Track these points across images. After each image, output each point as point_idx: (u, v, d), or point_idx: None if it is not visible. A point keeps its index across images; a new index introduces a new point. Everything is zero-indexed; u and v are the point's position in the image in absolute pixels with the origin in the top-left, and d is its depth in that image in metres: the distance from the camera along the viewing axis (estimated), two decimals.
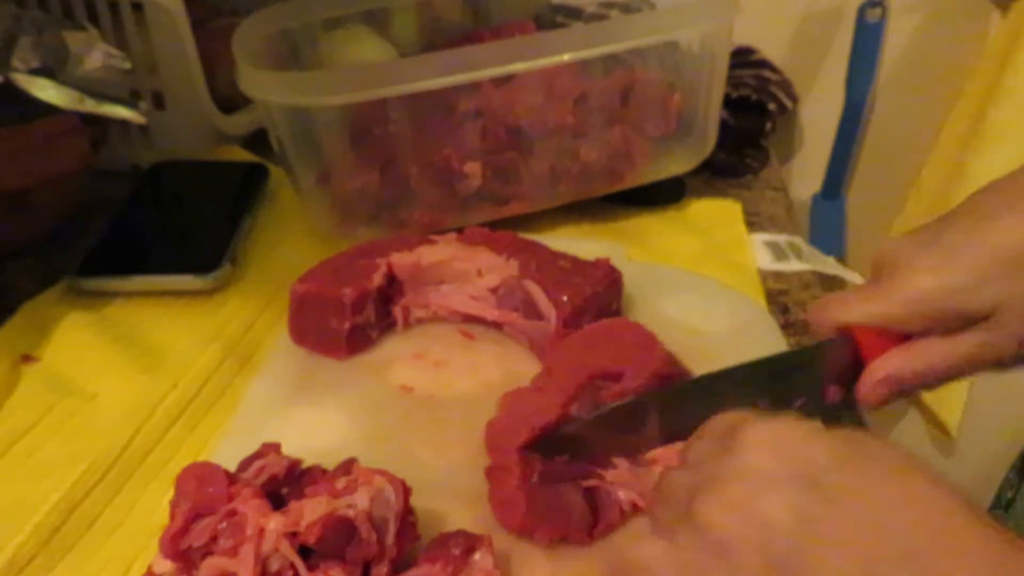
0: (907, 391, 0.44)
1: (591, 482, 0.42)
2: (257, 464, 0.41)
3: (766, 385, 0.45)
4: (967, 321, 0.42)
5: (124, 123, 0.58)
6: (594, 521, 0.42)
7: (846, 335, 0.44)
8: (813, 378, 0.45)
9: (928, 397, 1.27)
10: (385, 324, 0.55)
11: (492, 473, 0.43)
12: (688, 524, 0.32)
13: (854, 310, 0.44)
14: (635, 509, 0.43)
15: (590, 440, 0.43)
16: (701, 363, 0.47)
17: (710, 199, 0.72)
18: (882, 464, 0.32)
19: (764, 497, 0.31)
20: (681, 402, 0.44)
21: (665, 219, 0.69)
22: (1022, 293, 0.41)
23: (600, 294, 0.53)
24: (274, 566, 0.36)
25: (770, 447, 0.33)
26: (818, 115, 1.01)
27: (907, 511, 0.30)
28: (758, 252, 0.66)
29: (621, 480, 0.43)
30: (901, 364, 0.43)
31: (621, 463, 0.43)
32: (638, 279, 0.57)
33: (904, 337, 0.44)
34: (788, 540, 0.30)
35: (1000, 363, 0.43)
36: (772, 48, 0.95)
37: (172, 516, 0.38)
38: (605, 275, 0.54)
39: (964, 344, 0.43)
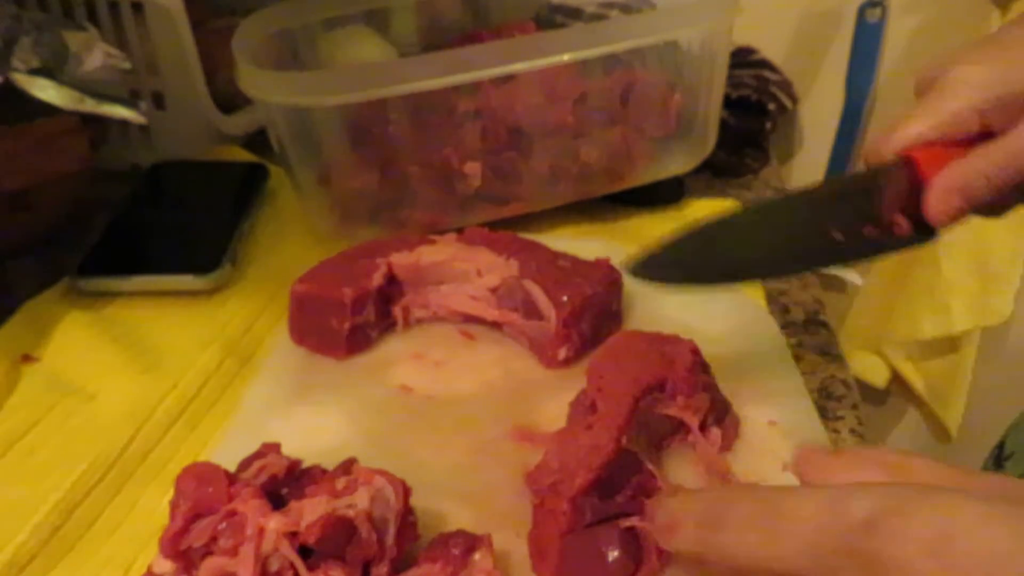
0: (977, 199, 0.41)
1: (631, 521, 0.40)
2: (257, 464, 0.41)
3: (833, 208, 0.42)
4: (1022, 108, 0.40)
5: (124, 123, 0.58)
6: (634, 568, 0.39)
7: (903, 157, 0.42)
8: (877, 206, 0.42)
9: (928, 397, 1.27)
10: (385, 324, 0.55)
11: (539, 514, 0.41)
12: None
13: (909, 127, 0.42)
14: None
15: None
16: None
17: (710, 199, 0.72)
18: None
19: None
20: (752, 228, 0.41)
21: (665, 219, 0.69)
22: None
23: (600, 294, 0.53)
24: (274, 566, 0.36)
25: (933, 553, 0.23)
26: (818, 115, 1.01)
27: None
28: None
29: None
30: (966, 169, 0.41)
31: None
32: None
33: (962, 151, 0.41)
34: None
35: None
36: (772, 48, 0.95)
37: (172, 516, 0.38)
38: (605, 275, 0.54)
39: (1021, 133, 0.40)
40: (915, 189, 0.42)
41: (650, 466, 0.42)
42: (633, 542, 0.39)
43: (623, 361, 0.45)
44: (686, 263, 0.41)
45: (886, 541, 0.24)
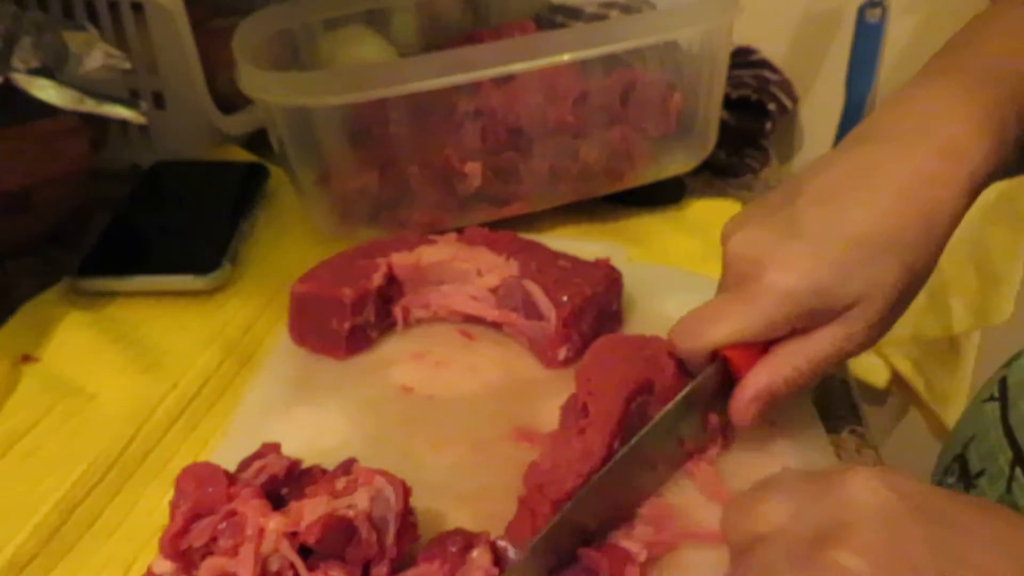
0: (779, 401, 0.43)
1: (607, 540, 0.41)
2: (257, 464, 0.41)
3: (665, 442, 0.44)
4: (831, 316, 0.42)
5: (124, 123, 0.58)
6: None
7: (720, 358, 0.44)
8: (697, 415, 0.45)
9: (928, 397, 1.27)
10: (385, 324, 0.55)
11: (521, 511, 0.41)
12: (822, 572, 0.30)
13: (722, 328, 0.43)
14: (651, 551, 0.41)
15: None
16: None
17: (710, 199, 0.72)
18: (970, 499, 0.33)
19: (899, 537, 0.30)
20: (606, 492, 0.42)
21: (665, 219, 0.69)
22: (882, 282, 0.41)
23: (600, 294, 0.53)
24: (274, 566, 0.36)
25: (885, 485, 0.32)
26: (818, 115, 1.01)
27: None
28: None
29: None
30: (769, 377, 0.43)
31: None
32: (638, 279, 0.57)
33: (769, 343, 0.43)
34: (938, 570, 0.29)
35: (858, 352, 0.43)
36: (772, 48, 0.95)
37: (172, 516, 0.38)
38: (605, 275, 0.54)
39: (826, 341, 0.43)
40: (726, 384, 0.44)
41: (636, 470, 0.42)
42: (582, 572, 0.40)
43: (609, 364, 0.46)
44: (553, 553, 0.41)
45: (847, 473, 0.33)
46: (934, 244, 0.42)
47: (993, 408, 0.54)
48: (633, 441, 0.42)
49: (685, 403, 0.43)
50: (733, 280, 0.44)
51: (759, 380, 0.43)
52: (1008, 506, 0.49)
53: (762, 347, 0.43)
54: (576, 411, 0.45)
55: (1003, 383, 0.54)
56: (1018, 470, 0.49)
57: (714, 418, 0.45)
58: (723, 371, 0.44)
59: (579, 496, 0.40)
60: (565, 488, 0.40)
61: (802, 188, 0.44)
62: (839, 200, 0.42)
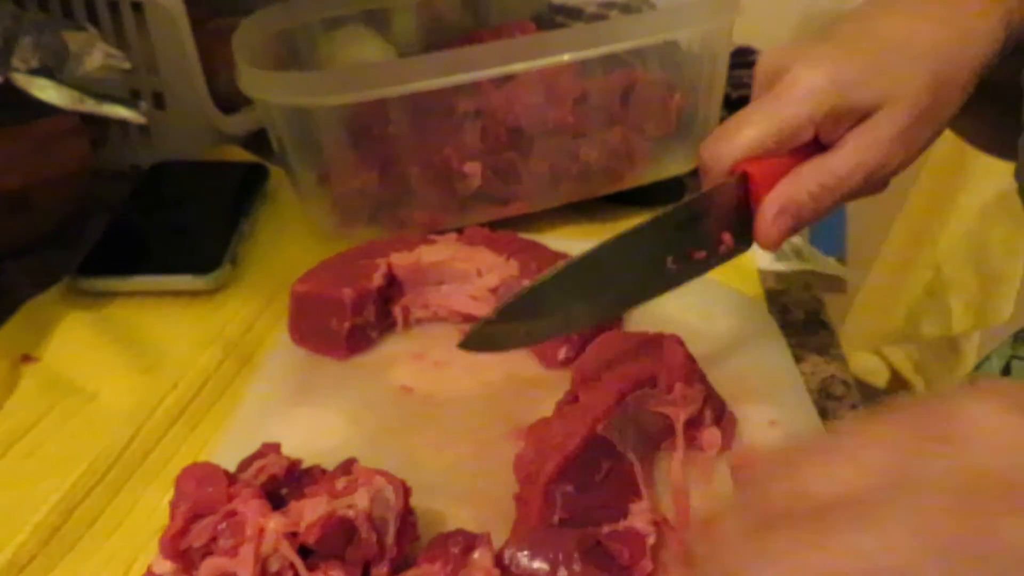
0: (805, 220, 0.42)
1: (614, 527, 0.39)
2: (257, 464, 0.41)
3: (671, 240, 0.42)
4: (854, 119, 0.41)
5: (124, 123, 0.58)
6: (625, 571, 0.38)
7: (738, 173, 0.42)
8: (707, 229, 0.43)
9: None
10: (385, 324, 0.55)
11: (518, 503, 0.41)
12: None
13: (746, 133, 0.42)
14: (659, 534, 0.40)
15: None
16: (701, 363, 0.47)
17: None
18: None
19: None
20: (596, 270, 0.40)
21: None
22: (908, 85, 0.41)
23: None
24: (274, 566, 0.36)
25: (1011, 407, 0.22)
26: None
27: None
28: (758, 252, 0.66)
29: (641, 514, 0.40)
30: (794, 190, 0.42)
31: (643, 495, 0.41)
32: None
33: (792, 161, 0.42)
34: None
35: (882, 170, 0.42)
36: None
37: (172, 516, 0.38)
38: None
39: (849, 152, 0.42)
40: (743, 205, 0.43)
41: (633, 459, 0.41)
42: (600, 557, 0.38)
43: (609, 358, 0.45)
44: (521, 324, 0.39)
45: (956, 404, 0.23)
46: (966, 65, 0.41)
47: None
48: (633, 227, 0.40)
49: (697, 206, 0.42)
50: (760, 89, 0.43)
51: (785, 194, 0.42)
52: None
53: (783, 168, 0.42)
54: (568, 401, 0.45)
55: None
56: None
57: (728, 238, 0.43)
58: (742, 189, 0.42)
59: (564, 266, 0.38)
60: (548, 470, 0.39)
61: (838, 17, 0.44)
62: (876, 13, 0.42)
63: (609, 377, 0.44)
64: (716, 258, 0.44)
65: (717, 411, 0.46)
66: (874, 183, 0.43)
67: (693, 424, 0.45)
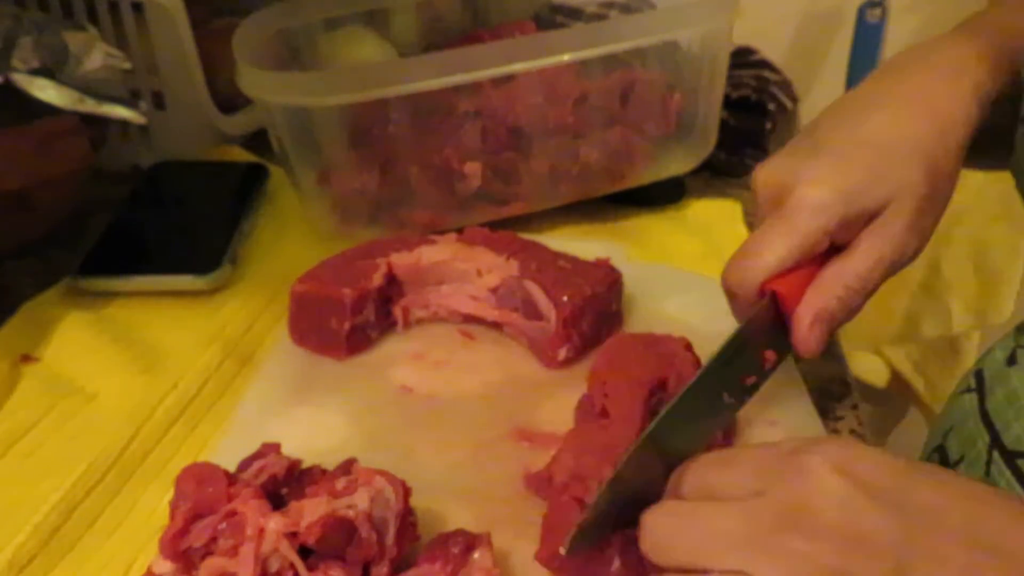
0: (838, 322, 0.44)
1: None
2: (257, 464, 0.41)
3: (724, 378, 0.43)
4: (864, 222, 0.44)
5: (124, 123, 0.58)
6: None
7: (768, 294, 0.44)
8: (752, 356, 0.45)
9: (928, 397, 1.27)
10: (385, 324, 0.55)
11: (558, 504, 0.40)
12: (776, 556, 0.31)
13: (765, 257, 0.44)
14: None
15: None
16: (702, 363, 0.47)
17: (710, 199, 0.72)
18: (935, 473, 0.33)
19: (857, 524, 0.31)
20: (671, 434, 0.40)
21: (665, 219, 0.69)
22: (909, 182, 0.43)
23: (600, 294, 0.53)
24: (274, 566, 0.36)
25: (846, 468, 0.32)
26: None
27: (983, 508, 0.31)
28: None
29: None
30: (823, 300, 0.44)
31: None
32: (638, 279, 0.57)
33: (813, 269, 0.44)
34: (897, 557, 0.30)
35: (900, 260, 0.45)
36: (772, 48, 0.95)
37: (172, 516, 0.38)
38: (605, 275, 0.54)
39: (867, 252, 0.44)
40: (777, 321, 0.45)
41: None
42: (636, 553, 0.38)
43: (623, 364, 0.46)
44: (613, 515, 0.39)
45: (807, 456, 0.32)
46: (952, 151, 0.44)
47: (971, 398, 0.54)
48: (691, 382, 0.41)
49: (740, 340, 0.43)
50: (766, 210, 0.46)
51: (814, 304, 0.44)
52: None
53: (807, 278, 0.44)
54: (594, 413, 0.45)
55: (979, 375, 0.55)
56: (996, 453, 0.50)
57: (771, 355, 0.45)
58: (774, 307, 0.44)
59: (637, 446, 0.39)
60: (605, 471, 0.39)
61: (819, 122, 0.46)
62: (855, 118, 0.45)
63: (627, 385, 0.44)
64: (763, 377, 0.45)
65: None
66: (892, 272, 0.45)
67: None
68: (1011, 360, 0.52)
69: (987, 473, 0.51)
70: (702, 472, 0.36)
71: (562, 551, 0.36)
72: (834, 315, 0.44)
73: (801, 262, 0.44)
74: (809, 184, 0.44)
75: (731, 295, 0.46)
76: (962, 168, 0.48)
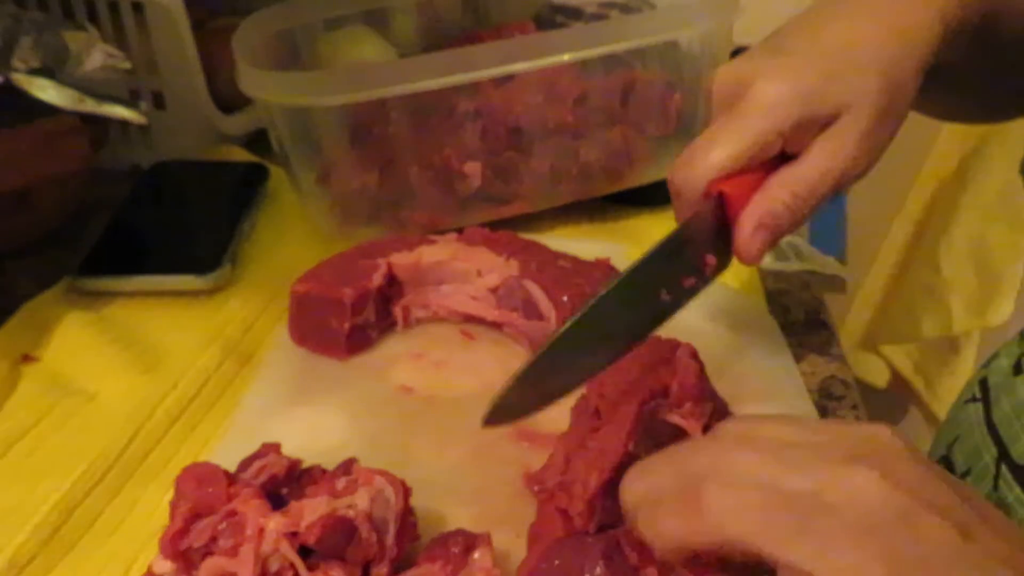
0: (783, 231, 0.43)
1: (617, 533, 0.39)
2: (257, 464, 0.41)
3: (662, 274, 0.42)
4: (817, 128, 0.43)
5: (124, 123, 0.58)
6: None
7: (714, 194, 0.43)
8: (694, 256, 0.44)
9: (928, 397, 1.27)
10: (385, 324, 0.55)
11: (545, 511, 0.41)
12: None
13: (715, 154, 0.43)
14: None
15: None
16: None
17: None
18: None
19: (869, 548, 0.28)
20: (598, 323, 0.40)
21: (665, 219, 0.69)
22: (865, 90, 0.42)
23: None
24: (274, 566, 0.36)
25: (885, 488, 0.28)
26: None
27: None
28: None
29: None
30: (768, 204, 0.43)
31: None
32: None
33: (762, 175, 0.43)
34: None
35: (850, 173, 0.43)
36: None
37: (172, 516, 0.38)
38: (605, 275, 0.54)
39: (817, 160, 0.43)
40: (720, 223, 0.43)
41: None
42: (619, 561, 0.38)
43: (624, 366, 0.45)
44: (534, 392, 0.40)
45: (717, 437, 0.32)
46: (913, 64, 0.43)
47: (976, 408, 0.54)
48: (626, 271, 0.40)
49: (681, 236, 0.43)
50: (719, 110, 0.45)
51: (759, 207, 0.43)
52: (996, 503, 0.49)
53: (756, 183, 0.43)
54: (588, 413, 0.44)
55: (984, 383, 0.54)
56: (1003, 466, 0.49)
57: (711, 259, 0.44)
58: (719, 208, 0.43)
59: (566, 327, 0.39)
60: (592, 486, 0.39)
61: (783, 28, 0.45)
62: (818, 25, 0.44)
63: (625, 387, 0.44)
64: (703, 281, 0.44)
65: (720, 415, 0.46)
66: (843, 186, 0.44)
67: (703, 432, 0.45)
68: (1017, 369, 0.51)
69: (995, 487, 0.50)
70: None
71: (480, 424, 0.37)
72: (779, 222, 0.43)
73: (751, 165, 0.43)
74: (764, 81, 0.42)
75: (676, 194, 0.45)
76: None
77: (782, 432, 0.32)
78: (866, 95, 0.42)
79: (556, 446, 0.43)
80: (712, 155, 0.43)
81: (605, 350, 0.40)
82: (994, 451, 0.50)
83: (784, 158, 0.44)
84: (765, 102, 0.42)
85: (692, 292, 0.44)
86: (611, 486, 0.39)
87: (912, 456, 0.30)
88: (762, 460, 0.30)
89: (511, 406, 0.39)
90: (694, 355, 0.46)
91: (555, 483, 0.41)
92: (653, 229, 0.68)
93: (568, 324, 0.39)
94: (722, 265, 0.45)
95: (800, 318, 0.60)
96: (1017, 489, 0.48)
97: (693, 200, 0.44)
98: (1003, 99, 0.57)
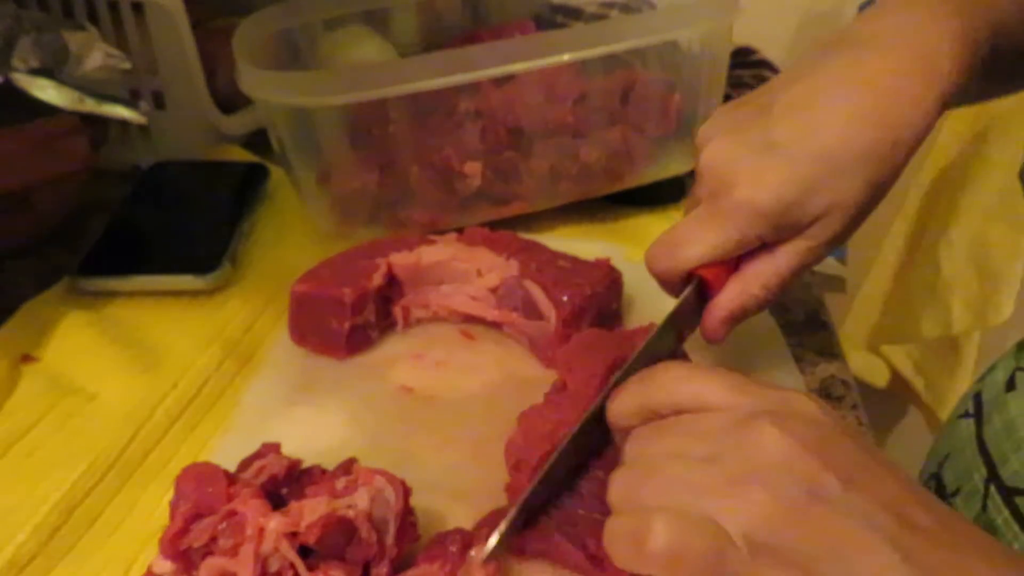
0: (751, 315, 0.45)
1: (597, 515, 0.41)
2: (257, 464, 0.41)
3: (650, 362, 0.43)
4: (796, 231, 0.44)
5: (124, 123, 0.58)
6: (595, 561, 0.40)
7: (696, 279, 0.45)
8: (677, 333, 0.46)
9: (928, 397, 1.27)
10: (385, 324, 0.55)
11: (510, 491, 0.43)
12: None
13: (696, 249, 0.44)
14: None
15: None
16: (701, 362, 0.47)
17: None
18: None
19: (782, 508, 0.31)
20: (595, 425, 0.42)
21: (665, 219, 0.69)
22: (846, 198, 0.43)
23: (600, 294, 0.53)
24: (274, 566, 0.36)
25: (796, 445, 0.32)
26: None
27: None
28: None
29: None
30: (741, 298, 0.45)
31: None
32: (638, 279, 0.57)
33: (737, 262, 0.45)
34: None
35: (821, 261, 0.45)
36: (772, 48, 0.95)
37: (172, 516, 0.38)
38: (605, 275, 0.54)
39: (791, 257, 0.44)
40: (701, 301, 0.46)
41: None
42: (575, 539, 0.40)
43: (593, 348, 0.47)
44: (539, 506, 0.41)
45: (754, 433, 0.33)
46: (899, 160, 0.43)
47: (968, 425, 0.53)
48: (625, 367, 0.42)
49: (668, 326, 0.44)
50: (706, 194, 0.45)
51: (731, 301, 0.45)
52: (984, 525, 0.49)
53: (734, 262, 0.45)
54: (557, 389, 0.46)
55: (978, 398, 0.54)
56: (992, 487, 0.49)
57: (688, 334, 0.47)
58: (699, 290, 0.45)
59: (568, 437, 0.41)
60: (537, 457, 0.41)
61: (776, 97, 0.45)
62: (811, 112, 0.43)
63: (593, 363, 0.45)
64: (677, 354, 0.47)
65: None
66: (807, 271, 0.46)
67: None
68: (1010, 385, 0.51)
69: (984, 508, 0.50)
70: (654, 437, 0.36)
71: (477, 557, 0.38)
72: (747, 312, 0.45)
73: (728, 258, 0.45)
74: (752, 187, 0.43)
75: (656, 277, 0.47)
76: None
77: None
78: (847, 203, 0.43)
79: (519, 422, 0.44)
80: (694, 249, 0.45)
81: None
82: (984, 471, 0.50)
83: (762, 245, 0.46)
84: (751, 211, 0.43)
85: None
86: (569, 457, 0.41)
87: (819, 417, 0.34)
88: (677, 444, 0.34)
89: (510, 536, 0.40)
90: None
91: (514, 462, 0.42)
92: (653, 229, 0.67)
93: (558, 452, 0.41)
94: (690, 333, 0.47)
95: (800, 318, 0.60)
96: (1006, 511, 0.48)
97: (672, 284, 0.46)
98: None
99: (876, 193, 0.43)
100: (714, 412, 0.35)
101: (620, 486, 0.35)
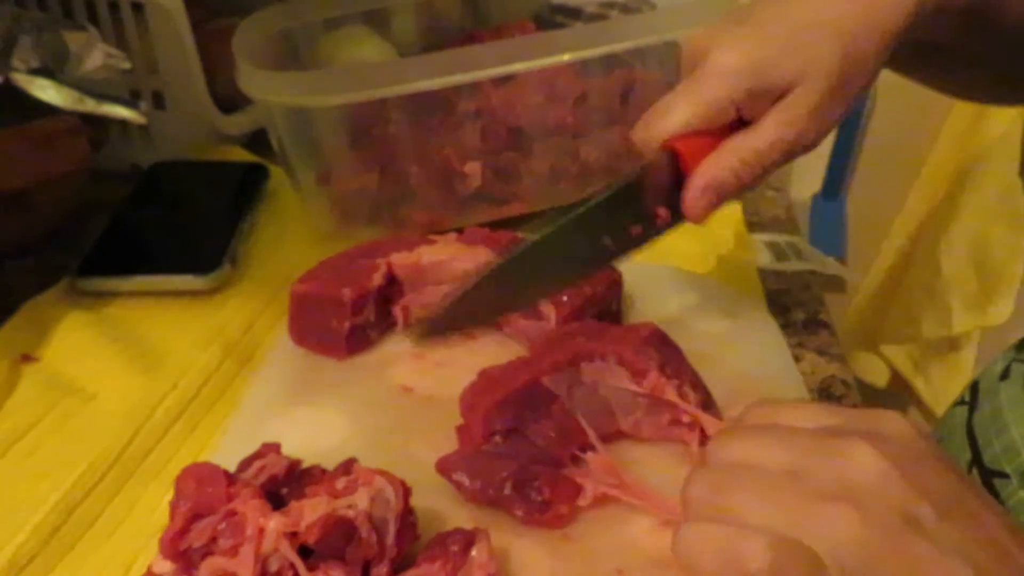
0: (729, 194, 0.45)
1: (552, 472, 0.43)
2: (257, 464, 0.41)
3: (604, 218, 0.44)
4: (772, 98, 0.44)
5: (124, 123, 0.58)
6: (541, 508, 0.42)
7: (668, 149, 0.45)
8: (642, 205, 0.45)
9: (928, 397, 1.27)
10: (385, 324, 0.55)
11: (459, 431, 0.45)
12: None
13: (672, 117, 0.44)
14: (604, 499, 0.43)
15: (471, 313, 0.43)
16: (701, 363, 0.47)
17: None
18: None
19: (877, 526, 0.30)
20: (536, 259, 0.43)
21: None
22: (820, 62, 0.43)
23: (600, 294, 0.53)
24: (274, 566, 0.36)
25: (893, 472, 0.31)
26: None
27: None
28: (758, 252, 0.66)
29: (594, 470, 0.44)
30: (717, 168, 0.44)
31: (597, 450, 0.44)
32: (638, 279, 0.57)
33: (719, 139, 0.45)
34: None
35: (800, 144, 0.44)
36: None
37: (172, 516, 0.38)
38: (605, 275, 0.54)
39: (768, 129, 0.44)
40: (676, 180, 0.45)
41: (582, 420, 0.44)
42: (528, 491, 0.42)
43: (573, 331, 0.48)
44: (468, 314, 0.43)
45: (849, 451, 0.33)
46: (874, 38, 0.43)
47: (962, 411, 0.54)
48: (568, 215, 0.42)
49: (628, 185, 0.44)
50: (685, 72, 0.46)
51: (708, 170, 0.44)
52: None
53: (711, 145, 0.45)
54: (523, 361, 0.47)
55: (975, 387, 0.54)
56: (975, 471, 0.49)
57: (664, 212, 0.46)
58: (673, 163, 0.45)
59: (518, 248, 0.41)
60: (492, 398, 0.43)
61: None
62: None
63: (565, 342, 0.47)
64: (654, 231, 0.46)
65: (705, 402, 0.47)
66: (792, 156, 0.45)
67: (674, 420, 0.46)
68: (1004, 374, 0.51)
69: None
70: (735, 440, 0.36)
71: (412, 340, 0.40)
72: (725, 186, 0.44)
73: (708, 128, 0.44)
74: (721, 51, 0.44)
75: (637, 153, 0.47)
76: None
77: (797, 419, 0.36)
78: (821, 68, 0.43)
79: (478, 378, 0.46)
80: (668, 117, 0.44)
81: (539, 285, 0.43)
82: (969, 455, 0.50)
83: (743, 123, 0.45)
84: (719, 71, 0.43)
85: (640, 241, 0.46)
86: (514, 408, 0.44)
87: (915, 440, 0.33)
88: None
89: (440, 329, 0.41)
90: (654, 331, 0.47)
91: (468, 404, 0.45)
92: None
93: (505, 256, 0.41)
94: (675, 221, 0.46)
95: (800, 318, 0.60)
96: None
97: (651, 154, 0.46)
98: None
99: (851, 66, 0.43)
100: (804, 427, 0.35)
101: (702, 487, 0.34)
